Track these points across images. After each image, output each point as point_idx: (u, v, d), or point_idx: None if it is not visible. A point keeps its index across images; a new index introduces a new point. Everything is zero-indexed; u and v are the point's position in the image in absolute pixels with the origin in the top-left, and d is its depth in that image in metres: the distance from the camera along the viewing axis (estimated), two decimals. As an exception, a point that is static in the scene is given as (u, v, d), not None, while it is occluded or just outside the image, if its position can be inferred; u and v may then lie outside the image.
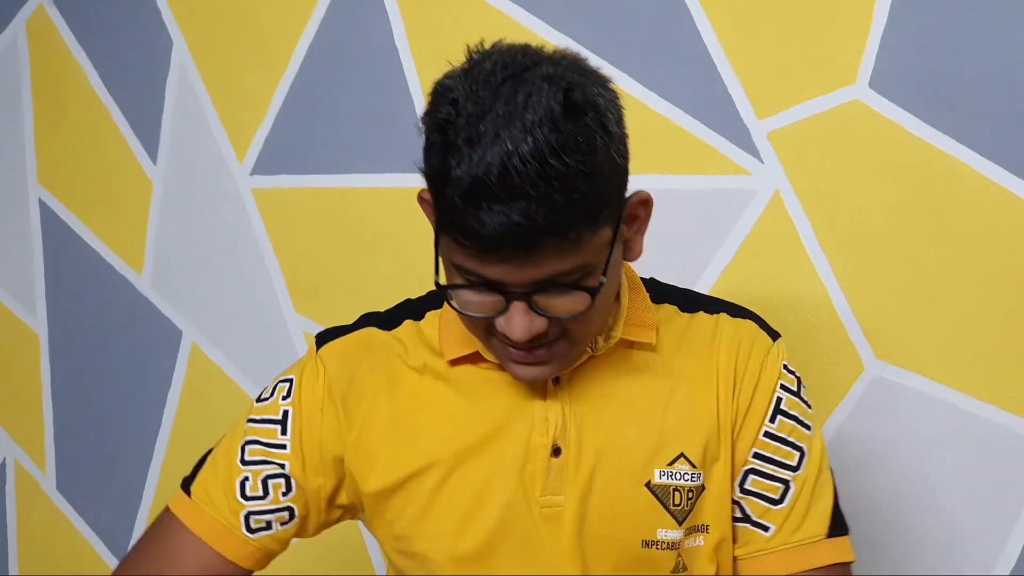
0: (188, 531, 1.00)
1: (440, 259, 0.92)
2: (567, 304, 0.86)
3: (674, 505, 0.96)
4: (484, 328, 0.91)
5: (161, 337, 1.69)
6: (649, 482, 0.96)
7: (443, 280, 0.91)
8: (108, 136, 1.71)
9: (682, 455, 0.97)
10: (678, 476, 0.97)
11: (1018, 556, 1.32)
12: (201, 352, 1.67)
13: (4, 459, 1.80)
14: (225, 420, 1.53)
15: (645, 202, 0.92)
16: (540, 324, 0.85)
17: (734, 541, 1.02)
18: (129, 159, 1.70)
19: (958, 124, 1.30)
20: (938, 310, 1.34)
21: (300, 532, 1.03)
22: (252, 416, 1.01)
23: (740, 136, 1.39)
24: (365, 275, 1.53)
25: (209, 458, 1.03)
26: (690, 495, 0.97)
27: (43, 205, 1.76)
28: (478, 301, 0.87)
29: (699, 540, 0.98)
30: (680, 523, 0.96)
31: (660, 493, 0.96)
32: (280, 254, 1.62)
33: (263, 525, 0.99)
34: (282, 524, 1.00)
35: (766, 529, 0.97)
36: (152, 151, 1.68)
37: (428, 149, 0.87)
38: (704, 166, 1.44)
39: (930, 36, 1.32)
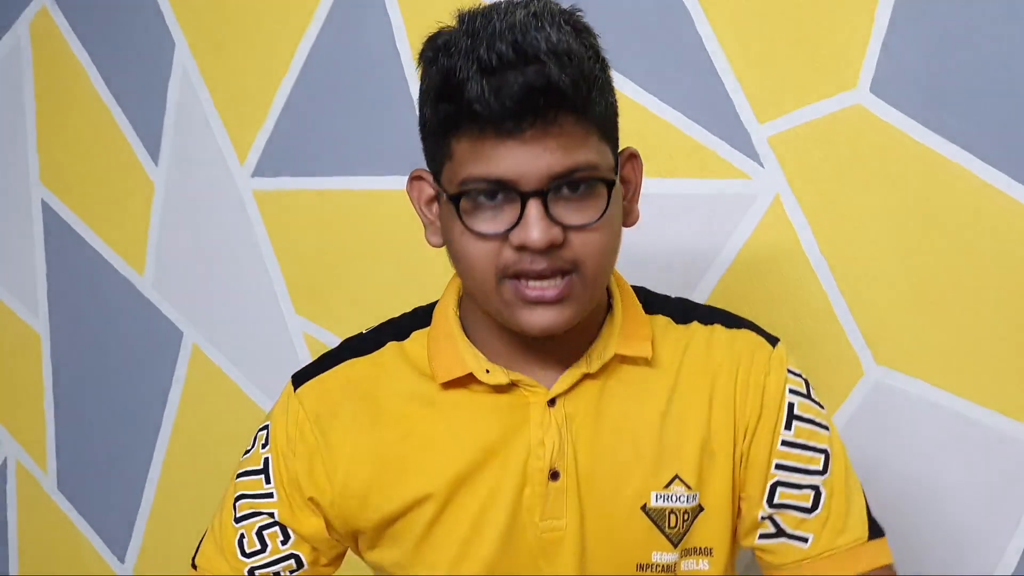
0: None
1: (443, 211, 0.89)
2: (580, 211, 0.84)
3: (669, 528, 0.95)
4: (495, 272, 0.87)
5: (162, 338, 1.67)
6: (645, 505, 0.94)
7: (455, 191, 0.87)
8: (110, 137, 1.69)
9: (677, 477, 0.95)
10: (673, 499, 0.95)
11: (1018, 560, 1.31)
12: (202, 353, 1.65)
13: (5, 459, 1.79)
14: (225, 420, 1.47)
15: (634, 156, 0.92)
16: (556, 232, 0.82)
17: (760, 551, 1.00)
18: (131, 160, 1.68)
19: (959, 129, 1.29)
20: (939, 315, 1.33)
21: (320, 571, 1.01)
22: (239, 470, 0.99)
23: (741, 140, 1.38)
24: (365, 276, 1.52)
25: (207, 529, 1.02)
26: (686, 516, 0.95)
27: (45, 205, 1.75)
28: (492, 214, 0.85)
29: (703, 564, 0.97)
30: (675, 545, 0.95)
31: (656, 516, 0.95)
32: (281, 256, 1.61)
33: None
34: (290, 572, 0.98)
35: (804, 540, 0.95)
36: (154, 152, 1.67)
37: (429, 73, 0.87)
38: (705, 170, 1.43)
39: (931, 41, 1.30)
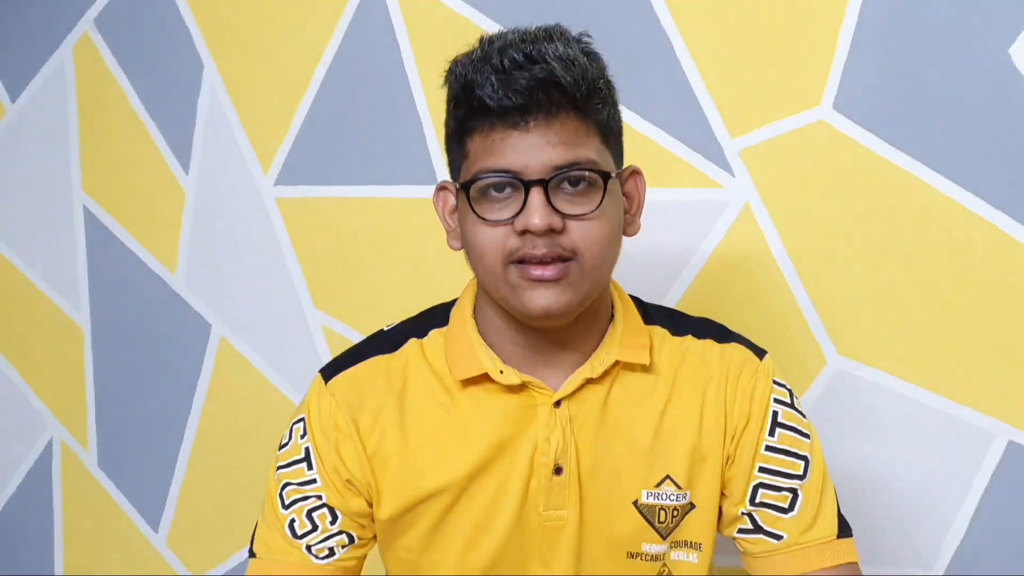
0: None
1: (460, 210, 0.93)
2: (579, 204, 0.87)
3: (659, 522, 0.97)
4: (503, 258, 0.89)
5: (192, 330, 1.70)
6: (637, 501, 0.96)
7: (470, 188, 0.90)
8: (145, 149, 1.73)
9: (668, 477, 0.97)
10: (663, 497, 0.97)
11: (966, 528, 1.34)
12: (228, 344, 1.67)
13: (51, 439, 1.81)
14: (249, 404, 1.54)
15: (637, 173, 0.95)
16: (556, 219, 0.85)
17: (741, 543, 1.01)
18: (164, 170, 1.72)
19: (914, 143, 1.32)
20: (895, 311, 1.36)
21: (370, 546, 1.02)
22: (279, 464, 1.00)
23: (714, 153, 1.41)
24: (377, 274, 1.55)
25: (259, 521, 1.02)
26: (675, 513, 0.97)
27: (87, 211, 1.78)
28: (500, 205, 0.88)
29: (692, 557, 0.98)
30: (664, 538, 0.97)
31: (646, 512, 0.97)
32: (301, 256, 1.64)
33: (327, 552, 0.97)
34: (343, 547, 0.98)
35: (778, 538, 0.97)
36: (185, 163, 1.70)
37: (451, 86, 0.91)
38: (681, 180, 1.45)
39: (890, 61, 1.34)
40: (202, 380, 1.69)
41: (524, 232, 0.86)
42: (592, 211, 0.87)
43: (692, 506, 0.97)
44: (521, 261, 0.88)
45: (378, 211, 1.58)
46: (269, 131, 1.65)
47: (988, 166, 1.32)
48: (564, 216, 0.85)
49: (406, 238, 1.56)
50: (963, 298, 1.33)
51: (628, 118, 1.45)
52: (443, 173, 1.46)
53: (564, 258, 0.87)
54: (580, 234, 0.87)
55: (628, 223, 0.94)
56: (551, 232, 0.86)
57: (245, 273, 1.66)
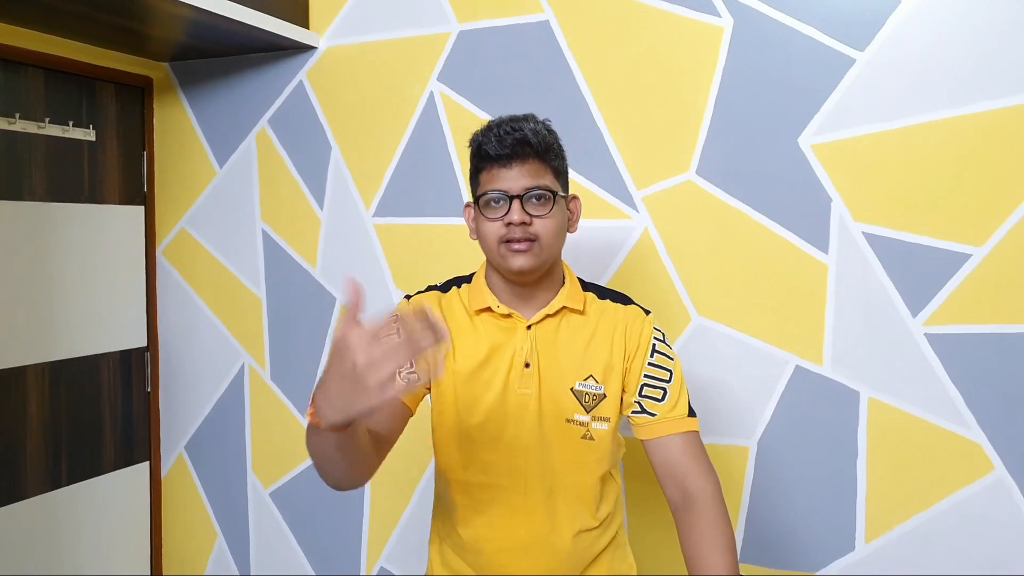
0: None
1: (477, 209, 1.03)
2: (539, 209, 1.00)
3: (584, 402, 1.07)
4: (497, 240, 1.01)
5: (324, 303, 1.93)
6: (572, 388, 1.06)
7: (481, 207, 1.01)
8: (296, 195, 1.95)
9: (591, 376, 1.07)
10: (588, 387, 1.07)
11: (763, 429, 1.51)
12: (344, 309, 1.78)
13: (243, 364, 2.04)
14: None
15: (576, 198, 1.10)
16: (526, 217, 0.99)
17: (632, 419, 1.09)
18: (307, 207, 1.93)
19: (744, 194, 1.52)
20: (731, 290, 1.55)
21: (425, 389, 1.11)
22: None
23: (626, 196, 1.60)
24: (438, 273, 1.57)
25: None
26: (594, 398, 1.07)
27: (264, 233, 2.00)
28: (496, 208, 1.00)
29: (604, 426, 1.08)
30: (587, 412, 1.07)
31: (577, 395, 1.07)
32: (389, 258, 1.84)
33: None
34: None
35: (653, 415, 1.08)
36: (320, 203, 1.91)
37: (472, 147, 1.02)
38: (606, 213, 1.62)
39: (735, 141, 1.51)
40: (330, 329, 1.92)
41: (509, 224, 1.00)
42: (547, 213, 1.01)
43: (604, 396, 1.08)
44: (507, 241, 1.02)
45: (444, 234, 1.77)
46: (369, 183, 1.86)
47: (785, 206, 1.50)
48: (531, 216, 1.00)
49: (460, 250, 1.74)
50: (771, 281, 1.52)
51: (574, 175, 1.57)
52: (467, 198, 1.59)
53: (531, 239, 1.01)
54: (540, 226, 1.01)
55: (570, 225, 1.09)
56: (523, 224, 1.00)
57: (355, 269, 1.89)
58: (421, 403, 1.13)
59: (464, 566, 1.14)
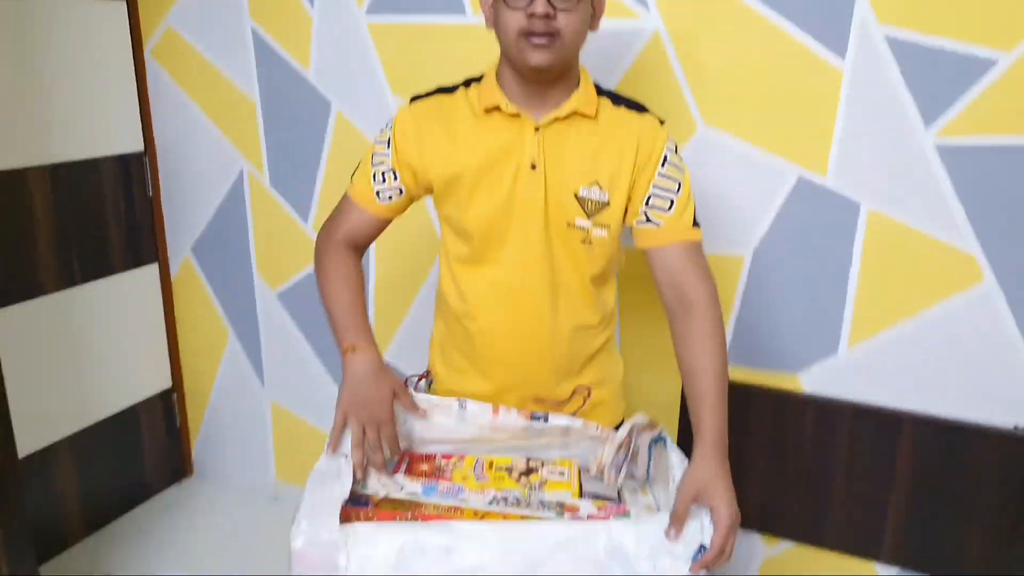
0: (351, 200, 1.18)
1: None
2: (565, 2, 0.98)
3: (587, 208, 1.09)
4: (517, 32, 1.00)
5: (320, 109, 1.89)
6: (576, 193, 1.09)
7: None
8: None
9: (596, 182, 1.09)
10: (591, 193, 1.08)
11: (768, 227, 1.55)
12: (345, 120, 1.87)
13: (242, 169, 2.06)
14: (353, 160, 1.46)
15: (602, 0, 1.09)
16: (551, 9, 0.97)
17: (636, 229, 1.11)
18: (297, 4, 1.84)
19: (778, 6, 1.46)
20: (746, 100, 1.52)
21: (410, 200, 1.18)
22: (375, 140, 1.16)
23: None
24: (438, 78, 1.33)
25: (358, 168, 1.18)
26: (598, 205, 1.09)
27: (255, 33, 1.92)
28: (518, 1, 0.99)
29: (603, 233, 1.11)
30: (589, 218, 1.10)
31: (580, 200, 1.09)
32: (385, 62, 1.79)
33: (387, 198, 1.16)
34: (399, 194, 1.15)
35: (659, 225, 1.10)
36: None
37: None
38: (608, 11, 1.32)
39: None
40: (326, 145, 1.92)
41: (531, 16, 0.98)
42: (573, 7, 0.99)
43: (607, 204, 1.09)
44: (528, 35, 1.00)
45: (435, 31, 1.73)
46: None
47: (804, 6, 1.43)
48: (556, 8, 0.98)
49: (450, 47, 1.72)
50: (783, 90, 1.50)
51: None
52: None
53: (552, 34, 1.00)
54: (564, 20, 1.00)
55: (593, 22, 1.08)
56: (547, 17, 0.98)
57: (350, 72, 1.85)
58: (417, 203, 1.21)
59: (463, 361, 1.21)
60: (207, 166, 2.10)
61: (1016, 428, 1.50)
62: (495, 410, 1.13)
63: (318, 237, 1.20)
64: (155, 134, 2.14)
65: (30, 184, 1.88)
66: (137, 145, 2.13)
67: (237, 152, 2.07)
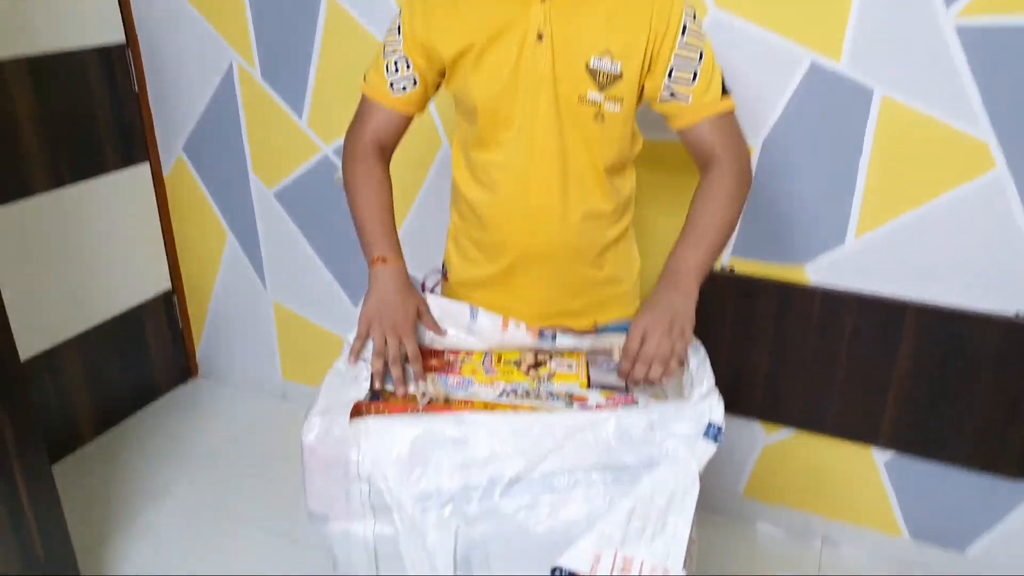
0: (366, 98, 1.19)
1: None
2: None
3: (599, 80, 1.07)
4: None
5: (308, 7, 1.87)
6: (587, 64, 1.07)
7: None
8: None
9: (608, 52, 1.06)
10: (603, 64, 1.06)
11: (782, 109, 1.51)
12: (336, 4, 1.80)
13: (231, 62, 2.01)
14: (360, 62, 1.59)
15: None
16: None
17: (664, 108, 1.09)
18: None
19: None
20: None
21: (425, 91, 1.17)
22: (387, 31, 1.16)
23: None
24: None
25: (370, 67, 1.18)
26: (609, 77, 1.07)
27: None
28: None
29: (616, 107, 1.09)
30: (601, 90, 1.07)
31: (592, 72, 1.07)
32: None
33: (401, 88, 1.15)
34: (413, 85, 1.15)
35: (686, 99, 1.08)
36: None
37: None
38: None
39: None
40: (317, 39, 1.85)
41: None
42: None
43: (621, 76, 1.07)
44: None
45: None
46: None
47: None
48: None
49: None
50: None
51: None
52: None
53: None
54: None
55: None
56: None
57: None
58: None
59: (473, 249, 1.21)
60: (194, 58, 2.04)
61: (1017, 315, 1.52)
62: (504, 324, 1.15)
63: (344, 145, 1.20)
64: (135, 23, 2.05)
65: (8, 76, 1.82)
66: (118, 35, 2.05)
67: (225, 43, 2.00)
